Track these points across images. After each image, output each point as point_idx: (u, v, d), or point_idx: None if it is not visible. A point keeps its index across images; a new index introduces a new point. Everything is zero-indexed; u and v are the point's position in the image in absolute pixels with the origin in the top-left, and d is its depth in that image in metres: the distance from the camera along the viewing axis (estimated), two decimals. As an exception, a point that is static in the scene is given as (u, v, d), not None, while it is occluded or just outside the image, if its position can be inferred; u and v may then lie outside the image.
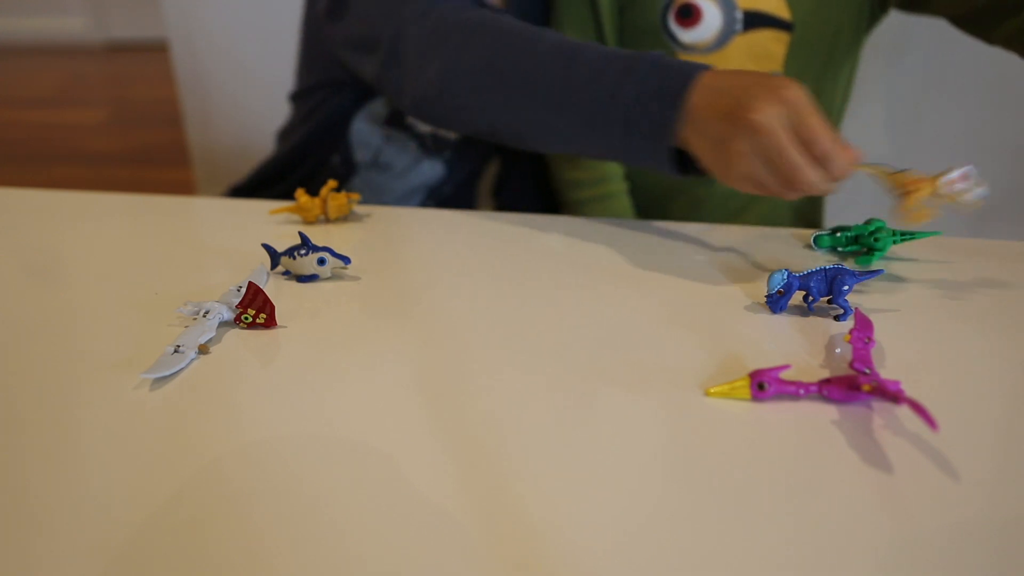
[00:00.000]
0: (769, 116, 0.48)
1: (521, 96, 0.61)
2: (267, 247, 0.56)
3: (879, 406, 0.40)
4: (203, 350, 0.46)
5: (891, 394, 0.38)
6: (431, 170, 0.89)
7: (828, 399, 0.40)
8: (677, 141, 0.54)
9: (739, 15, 0.76)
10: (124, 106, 3.12)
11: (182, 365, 0.44)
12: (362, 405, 0.41)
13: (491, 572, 0.30)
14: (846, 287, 0.48)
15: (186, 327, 0.47)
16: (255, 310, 0.48)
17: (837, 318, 0.49)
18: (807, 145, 0.49)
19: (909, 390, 0.39)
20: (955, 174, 0.51)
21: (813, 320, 0.49)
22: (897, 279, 0.54)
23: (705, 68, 0.54)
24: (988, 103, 1.08)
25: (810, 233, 0.61)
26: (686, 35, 0.77)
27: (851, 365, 0.42)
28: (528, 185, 0.94)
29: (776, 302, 0.49)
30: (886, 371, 0.43)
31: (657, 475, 0.36)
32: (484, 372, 0.44)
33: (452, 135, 0.86)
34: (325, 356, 0.45)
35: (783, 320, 0.49)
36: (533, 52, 0.61)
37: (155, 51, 3.22)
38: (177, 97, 1.51)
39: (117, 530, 0.33)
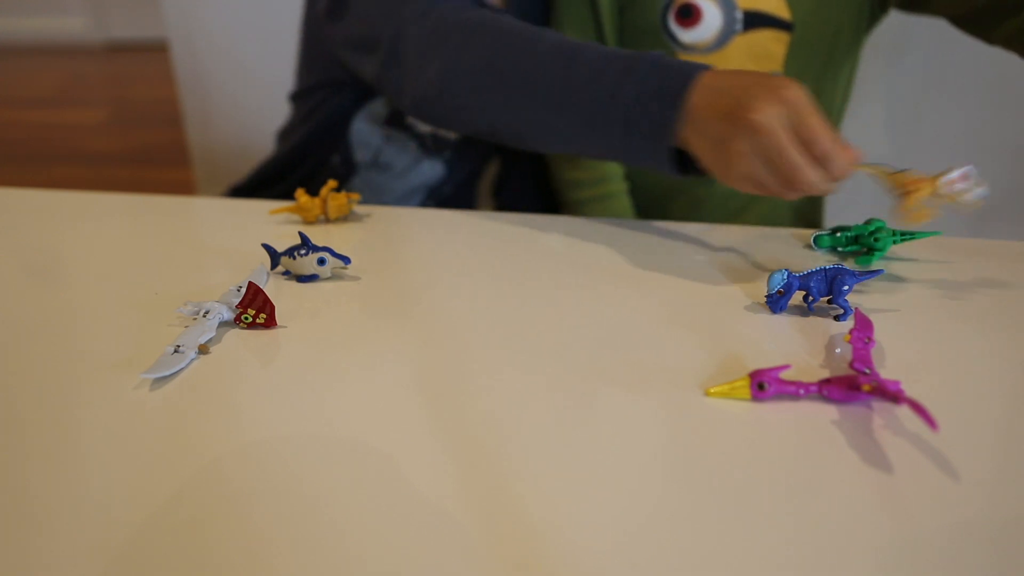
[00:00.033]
0: (769, 116, 0.48)
1: (521, 96, 0.61)
2: (267, 247, 0.56)
3: (879, 406, 0.40)
4: (203, 350, 0.46)
5: (891, 394, 0.38)
6: (431, 170, 0.89)
7: (828, 399, 0.40)
8: (677, 141, 0.54)
9: (739, 15, 0.76)
10: (124, 106, 3.12)
11: (182, 365, 0.44)
12: (362, 405, 0.41)
13: (491, 572, 0.30)
14: (846, 287, 0.48)
15: (186, 327, 0.47)
16: (255, 310, 0.48)
17: (837, 318, 0.49)
18: (807, 145, 0.49)
19: (909, 390, 0.39)
20: (955, 174, 0.51)
21: (813, 320, 0.49)
22: (897, 279, 0.54)
23: (705, 68, 0.54)
24: (988, 103, 1.08)
25: (810, 233, 0.61)
26: (686, 35, 0.77)
27: (851, 365, 0.42)
28: (528, 185, 0.94)
29: (776, 302, 0.49)
30: (886, 371, 0.43)
31: (657, 475, 0.36)
32: (484, 372, 0.44)
33: (452, 135, 0.86)
34: (325, 356, 0.45)
35: (783, 320, 0.49)
36: (533, 52, 0.61)
37: (155, 51, 3.22)
38: (177, 97, 1.51)
39: (117, 530, 0.33)
